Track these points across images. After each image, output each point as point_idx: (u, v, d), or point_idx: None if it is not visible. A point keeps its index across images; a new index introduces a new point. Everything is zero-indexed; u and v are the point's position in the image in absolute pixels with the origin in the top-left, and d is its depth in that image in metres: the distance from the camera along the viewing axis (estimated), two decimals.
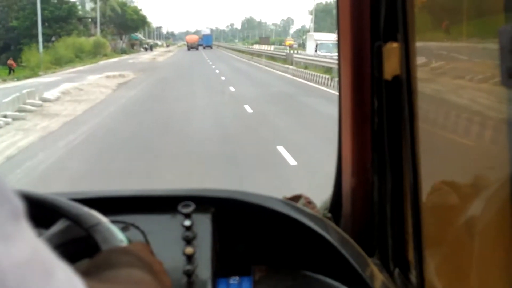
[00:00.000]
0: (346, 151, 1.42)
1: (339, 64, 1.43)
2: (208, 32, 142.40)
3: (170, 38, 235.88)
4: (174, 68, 39.83)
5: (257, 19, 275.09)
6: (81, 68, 42.92)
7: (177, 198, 1.24)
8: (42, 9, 62.68)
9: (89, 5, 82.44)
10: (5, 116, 14.26)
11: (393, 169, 1.28)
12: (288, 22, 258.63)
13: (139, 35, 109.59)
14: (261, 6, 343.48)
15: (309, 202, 1.50)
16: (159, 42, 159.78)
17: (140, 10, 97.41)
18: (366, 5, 1.27)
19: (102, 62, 52.09)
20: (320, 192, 1.73)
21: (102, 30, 78.12)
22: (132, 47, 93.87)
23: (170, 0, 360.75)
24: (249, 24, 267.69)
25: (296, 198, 1.50)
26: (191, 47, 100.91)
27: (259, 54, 52.68)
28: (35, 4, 61.26)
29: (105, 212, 1.04)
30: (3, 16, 61.50)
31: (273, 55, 45.66)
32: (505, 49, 0.81)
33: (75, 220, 1.01)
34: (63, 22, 63.99)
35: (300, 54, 33.02)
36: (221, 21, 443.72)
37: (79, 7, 77.63)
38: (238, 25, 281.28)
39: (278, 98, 18.76)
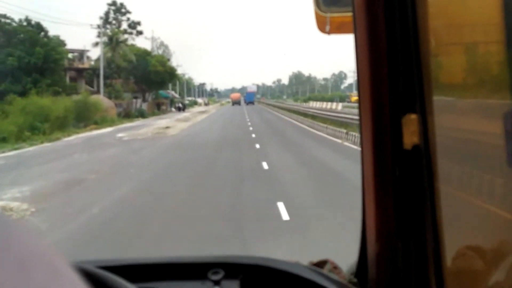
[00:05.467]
0: (370, 217, 1.44)
1: (360, 134, 1.46)
2: (254, 88, 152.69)
3: (214, 95, 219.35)
4: (163, 168, 16.52)
5: (306, 74, 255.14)
6: None
7: (207, 265, 1.31)
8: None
9: (95, 53, 61.41)
10: None
11: (416, 236, 1.31)
12: (340, 76, 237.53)
13: (172, 92, 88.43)
14: (310, 61, 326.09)
15: (335, 267, 1.52)
16: (199, 100, 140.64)
17: (168, 60, 76.22)
18: (385, 77, 1.32)
19: (64, 140, 29.58)
20: None
21: (108, 86, 56.67)
22: (158, 107, 72.03)
23: (215, 57, 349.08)
24: (297, 79, 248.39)
25: (323, 263, 1.52)
26: (234, 102, 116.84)
27: (349, 125, 25.90)
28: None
29: (135, 280, 1.05)
30: None
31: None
32: (509, 133, 0.88)
33: None
34: (38, 73, 42.64)
35: None
36: (268, 77, 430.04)
37: (71, 55, 56.58)
38: (285, 81, 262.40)
39: None
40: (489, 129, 1.14)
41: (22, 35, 43.50)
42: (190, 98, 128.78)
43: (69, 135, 32.03)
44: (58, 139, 29.47)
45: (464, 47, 1.25)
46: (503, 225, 1.11)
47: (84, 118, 40.33)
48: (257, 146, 21.23)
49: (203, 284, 1.29)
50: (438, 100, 1.25)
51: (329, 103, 68.51)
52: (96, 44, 58.87)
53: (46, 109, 34.14)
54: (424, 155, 1.24)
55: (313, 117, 36.71)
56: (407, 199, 1.32)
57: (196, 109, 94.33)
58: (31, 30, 44.11)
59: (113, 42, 59.72)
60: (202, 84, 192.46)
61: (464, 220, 1.26)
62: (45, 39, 44.79)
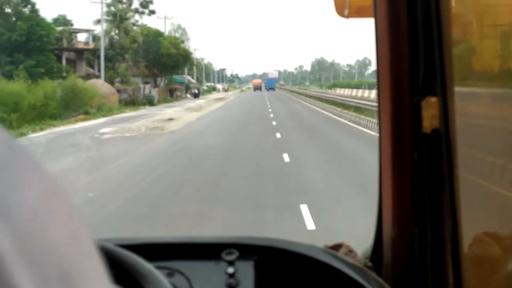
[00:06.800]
0: (387, 201, 1.43)
1: (379, 117, 1.44)
2: (275, 74, 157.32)
3: (234, 81, 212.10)
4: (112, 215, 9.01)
5: (329, 60, 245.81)
6: None
7: (221, 246, 1.29)
8: None
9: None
10: None
11: (433, 220, 1.31)
12: (365, 63, 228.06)
13: (188, 77, 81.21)
14: (333, 47, 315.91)
15: (350, 251, 1.51)
16: (219, 86, 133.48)
17: (182, 42, 68.89)
18: (405, 60, 1.32)
19: (29, 137, 22.70)
20: None
21: (110, 69, 49.54)
22: (171, 93, 64.71)
23: (237, 42, 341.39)
24: (320, 65, 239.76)
25: (337, 246, 1.50)
26: (256, 88, 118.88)
27: None
28: None
29: (150, 258, 1.07)
30: None
31: None
32: None
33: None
34: (22, 53, 35.69)
35: None
36: (290, 62, 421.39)
37: (70, 32, 49.58)
38: (307, 67, 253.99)
39: None
40: (510, 113, 1.10)
41: (2, 8, 36.59)
42: (209, 84, 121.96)
43: (41, 129, 25.07)
44: (21, 135, 22.41)
45: (488, 30, 1.20)
46: None
47: (75, 106, 33.29)
48: (286, 158, 13.70)
49: (217, 265, 1.28)
50: (459, 84, 1.22)
51: (360, 90, 60.90)
52: (98, 21, 51.72)
53: (17, 96, 27.12)
54: (443, 139, 1.22)
55: (357, 109, 28.39)
56: (425, 183, 1.30)
57: (214, 95, 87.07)
58: (14, 2, 37.07)
59: (117, 20, 52.42)
60: (222, 70, 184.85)
61: (482, 206, 1.23)
62: (31, 13, 37.68)
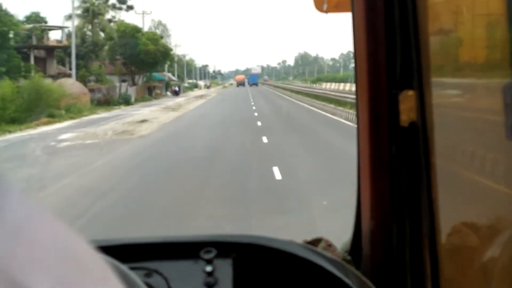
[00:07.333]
0: (365, 195, 1.42)
1: (357, 111, 1.43)
2: (258, 70, 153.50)
3: (217, 77, 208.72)
4: None
5: (313, 54, 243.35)
6: None
7: (199, 244, 1.28)
8: None
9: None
10: None
11: (411, 213, 1.30)
12: (349, 56, 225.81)
13: (168, 75, 77.86)
14: (316, 41, 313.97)
15: (330, 245, 1.50)
16: (201, 83, 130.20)
17: (161, 38, 65.48)
18: (382, 54, 1.31)
19: None
20: None
21: (82, 67, 46.12)
22: (150, 92, 61.44)
23: (219, 38, 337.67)
24: (303, 59, 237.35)
25: (317, 241, 1.50)
26: (239, 84, 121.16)
27: None
28: None
29: (127, 259, 1.04)
30: None
31: None
32: (509, 106, 0.89)
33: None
34: None
35: None
36: (273, 58, 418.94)
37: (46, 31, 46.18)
38: (291, 61, 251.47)
39: None
40: (487, 104, 1.12)
41: None
42: (190, 81, 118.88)
43: None
44: None
45: (464, 24, 1.22)
46: (499, 200, 1.08)
47: (39, 108, 29.96)
48: (277, 174, 10.77)
49: (195, 263, 1.26)
50: (436, 76, 1.23)
51: (347, 84, 58.10)
52: (70, 17, 48.23)
53: None
54: (421, 132, 1.22)
55: (353, 105, 25.29)
56: (403, 176, 1.30)
57: (195, 93, 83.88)
58: None
59: (89, 15, 48.97)
60: (205, 66, 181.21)
61: (460, 197, 1.24)
62: None
